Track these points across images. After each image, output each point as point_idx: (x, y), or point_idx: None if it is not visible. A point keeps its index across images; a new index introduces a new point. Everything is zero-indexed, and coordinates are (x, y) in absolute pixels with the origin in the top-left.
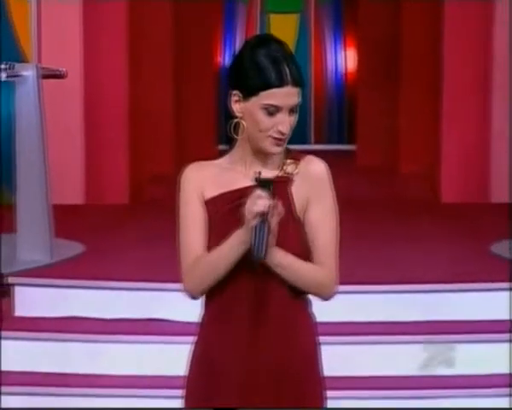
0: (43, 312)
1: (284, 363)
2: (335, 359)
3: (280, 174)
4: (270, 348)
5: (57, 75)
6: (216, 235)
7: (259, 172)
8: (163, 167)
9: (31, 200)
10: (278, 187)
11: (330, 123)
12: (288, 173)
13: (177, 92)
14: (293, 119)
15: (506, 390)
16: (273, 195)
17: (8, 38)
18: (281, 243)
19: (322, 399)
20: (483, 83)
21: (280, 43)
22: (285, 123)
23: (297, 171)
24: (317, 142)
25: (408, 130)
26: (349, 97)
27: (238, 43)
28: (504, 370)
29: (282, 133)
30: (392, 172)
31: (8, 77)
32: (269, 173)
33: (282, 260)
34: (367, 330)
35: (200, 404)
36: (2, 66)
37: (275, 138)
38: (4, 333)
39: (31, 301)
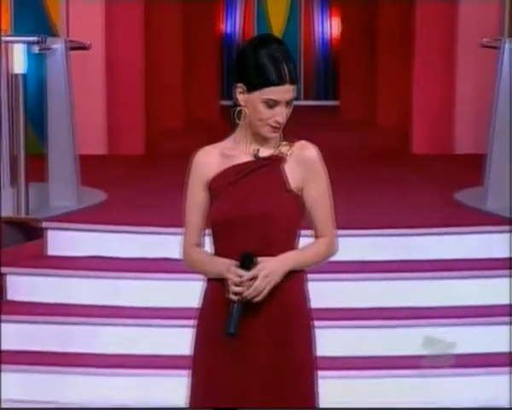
0: (72, 252)
1: (278, 321)
2: (314, 292)
3: (275, 153)
4: (265, 312)
5: (82, 47)
6: (221, 202)
7: (258, 150)
8: (173, 122)
9: (60, 152)
10: (273, 163)
11: (317, 82)
12: (282, 153)
13: (185, 57)
14: (289, 110)
15: (475, 320)
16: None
17: (41, 15)
18: (278, 210)
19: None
20: (450, 47)
21: (279, 43)
22: (282, 114)
23: (290, 152)
24: (306, 98)
25: (384, 89)
26: (334, 60)
27: (238, 13)
28: (473, 302)
29: (279, 123)
30: (370, 126)
31: (40, 50)
32: (266, 152)
33: (295, 265)
34: (343, 269)
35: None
36: (36, 40)
37: (272, 126)
38: (38, 270)
39: (61, 242)
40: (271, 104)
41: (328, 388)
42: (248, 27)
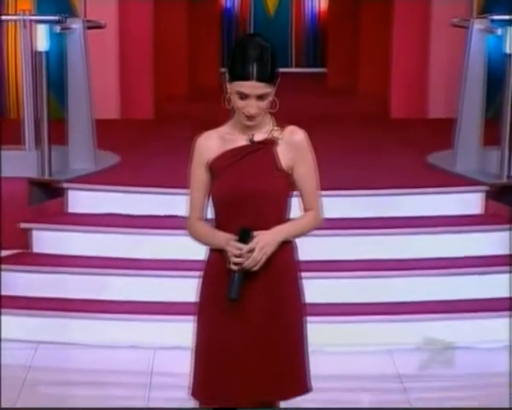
0: (90, 209)
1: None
2: (301, 247)
3: (268, 137)
4: (261, 277)
5: (98, 26)
6: (221, 181)
7: (253, 135)
8: (178, 89)
9: (79, 118)
10: (266, 146)
11: (307, 51)
12: (274, 137)
13: (189, 30)
14: (263, 103)
15: (448, 271)
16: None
17: None
18: (271, 187)
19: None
20: (425, 23)
21: (258, 43)
22: (252, 107)
23: (282, 136)
24: (296, 66)
25: (366, 59)
26: (322, 32)
27: None
28: (445, 254)
29: (250, 114)
30: (353, 92)
31: (61, 29)
32: (260, 136)
33: (287, 236)
34: (327, 226)
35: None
36: (58, 19)
37: (246, 116)
38: (60, 226)
39: (80, 201)
40: (242, 96)
41: (315, 331)
42: (246, 3)
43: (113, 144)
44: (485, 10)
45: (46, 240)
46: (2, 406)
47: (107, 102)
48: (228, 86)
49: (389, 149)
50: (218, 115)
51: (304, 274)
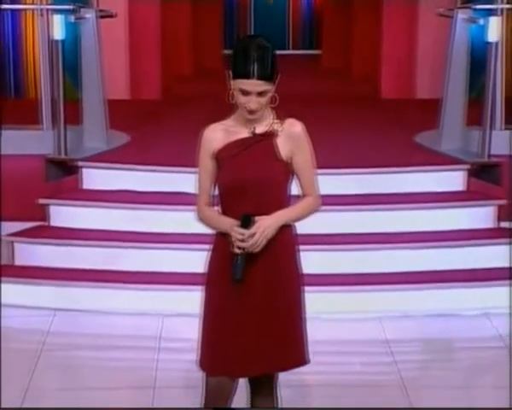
0: (102, 186)
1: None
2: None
3: (269, 130)
4: (262, 258)
5: (110, 15)
6: (225, 171)
7: (254, 128)
8: (184, 70)
9: (92, 98)
10: (267, 138)
11: (303, 34)
12: (275, 130)
13: (193, 15)
14: (263, 99)
15: (433, 243)
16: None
17: None
18: (271, 176)
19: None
20: (413, 10)
21: (259, 44)
22: (253, 102)
23: (281, 128)
24: (293, 48)
25: (358, 42)
26: (317, 16)
27: None
28: (430, 228)
29: (252, 109)
30: (346, 73)
31: (75, 19)
32: (261, 129)
33: (286, 220)
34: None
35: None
36: (72, 9)
37: (247, 111)
38: (75, 202)
39: (93, 178)
40: (244, 93)
41: (312, 300)
42: None
43: (123, 124)
44: (469, 0)
45: (62, 214)
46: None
47: (117, 84)
48: (231, 83)
49: (379, 129)
50: (221, 94)
51: (301, 247)
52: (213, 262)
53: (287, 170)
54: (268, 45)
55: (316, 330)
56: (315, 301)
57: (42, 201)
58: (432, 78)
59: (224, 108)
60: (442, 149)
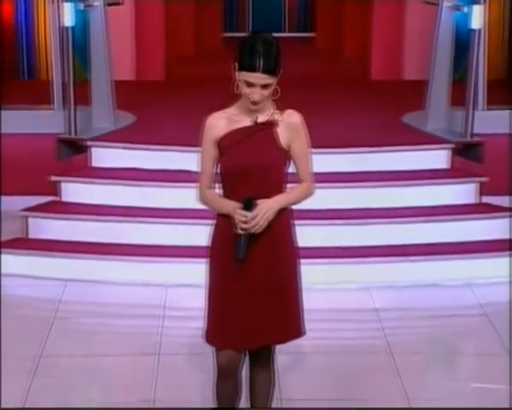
0: (110, 163)
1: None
2: None
3: (269, 120)
4: (263, 238)
5: (116, 3)
6: (228, 157)
7: (256, 117)
8: (186, 52)
9: (100, 80)
10: (268, 127)
11: (298, 17)
12: (275, 120)
13: (198, 6)
14: (266, 91)
15: (420, 218)
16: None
17: None
18: (271, 162)
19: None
20: None
21: (265, 39)
22: (256, 94)
23: (281, 119)
24: (289, 31)
25: (350, 25)
26: (312, 0)
27: None
28: (418, 204)
29: (255, 100)
30: (338, 55)
31: (85, 6)
32: (262, 118)
33: (283, 204)
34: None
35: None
36: None
37: (251, 101)
38: (84, 179)
39: (101, 157)
40: (249, 85)
41: (308, 271)
42: None
43: (129, 104)
44: None
45: (72, 191)
46: None
47: (123, 66)
48: (237, 74)
49: (368, 109)
50: (220, 75)
51: (297, 222)
52: (216, 242)
53: (285, 157)
54: (273, 41)
55: (310, 300)
56: (310, 273)
57: (53, 178)
58: (419, 60)
59: (223, 89)
60: (428, 129)
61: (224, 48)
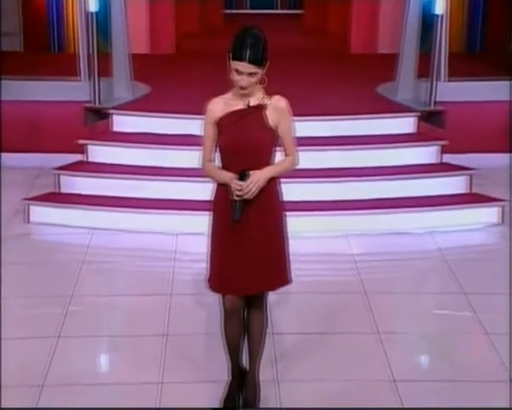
0: (128, 129)
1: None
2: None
3: (260, 103)
4: (255, 203)
5: None
6: (225, 135)
7: (249, 101)
8: (192, 28)
9: (119, 53)
10: (258, 110)
11: None
12: (265, 103)
13: None
14: (253, 79)
15: (392, 177)
16: (247, 177)
17: None
18: (261, 140)
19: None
20: None
21: (254, 34)
22: (244, 81)
23: (270, 102)
24: (281, 8)
25: (334, 5)
26: None
27: None
28: (389, 163)
29: (243, 85)
30: (323, 31)
31: None
32: (253, 102)
33: (272, 174)
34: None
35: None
36: None
37: (240, 87)
38: (107, 142)
39: (122, 123)
40: (238, 72)
41: (295, 222)
42: None
43: (144, 76)
44: None
45: (97, 152)
46: None
47: (139, 40)
48: (229, 63)
49: (347, 80)
50: (222, 47)
51: (285, 180)
52: (216, 204)
53: (273, 135)
54: (261, 36)
55: (297, 246)
56: (296, 223)
57: (81, 141)
58: (392, 36)
59: (224, 62)
60: (398, 99)
61: (225, 23)
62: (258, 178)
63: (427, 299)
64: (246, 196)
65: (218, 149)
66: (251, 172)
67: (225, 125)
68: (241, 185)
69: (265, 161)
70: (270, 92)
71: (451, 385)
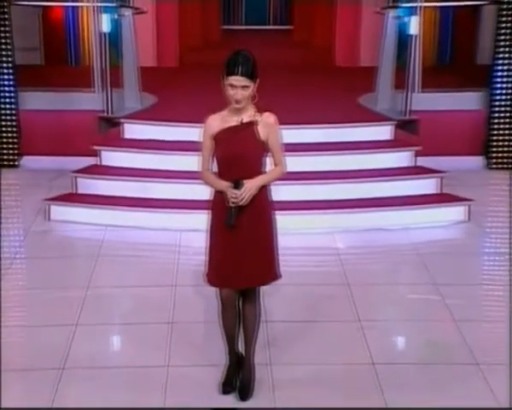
0: (138, 136)
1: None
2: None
3: (252, 120)
4: (248, 209)
5: (142, 12)
6: (221, 148)
7: (242, 118)
8: (194, 42)
9: (129, 69)
10: (250, 125)
11: (280, 13)
12: (256, 120)
13: (203, 0)
14: (246, 92)
15: (371, 179)
16: (241, 186)
17: None
18: (253, 152)
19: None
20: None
21: (244, 54)
22: (238, 94)
23: (261, 119)
24: (273, 24)
25: (320, 21)
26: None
27: None
28: (368, 166)
29: (238, 99)
30: (310, 45)
31: (118, 15)
32: (246, 119)
33: (263, 182)
34: (288, 149)
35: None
36: (115, 7)
37: (235, 101)
38: (118, 148)
39: (132, 130)
40: (232, 87)
41: (284, 220)
42: None
43: (151, 87)
44: (397, 0)
45: (109, 157)
46: None
47: (147, 54)
48: (224, 82)
49: (332, 91)
50: (221, 60)
51: (276, 182)
52: (214, 208)
53: (263, 148)
54: (250, 56)
55: (285, 241)
56: (286, 221)
57: (95, 147)
58: (372, 50)
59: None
60: (377, 109)
61: (223, 38)
62: (250, 186)
63: (402, 289)
64: (240, 203)
65: (214, 159)
66: (244, 181)
67: (221, 138)
68: (235, 193)
69: (257, 170)
70: (262, 102)
71: (424, 367)
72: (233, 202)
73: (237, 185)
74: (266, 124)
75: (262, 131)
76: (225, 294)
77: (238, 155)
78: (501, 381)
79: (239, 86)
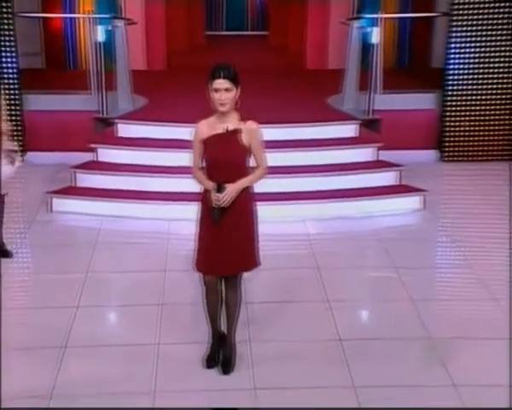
0: (130, 135)
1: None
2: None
3: (236, 127)
4: (230, 209)
5: (133, 23)
6: (209, 152)
7: (228, 126)
8: (180, 46)
9: (122, 72)
10: (235, 133)
11: (257, 19)
12: (240, 128)
13: (187, 7)
14: (229, 94)
15: (347, 172)
16: (223, 189)
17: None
18: (237, 156)
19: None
20: (327, 8)
21: (226, 64)
22: (222, 96)
23: (244, 127)
24: (251, 29)
25: (293, 27)
26: (266, 7)
27: None
28: (337, 161)
29: (222, 101)
30: (284, 49)
31: (112, 27)
32: (231, 127)
33: (245, 185)
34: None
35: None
36: (108, 18)
37: (219, 104)
38: (113, 146)
39: (125, 130)
40: (217, 90)
41: (263, 210)
42: None
43: (141, 89)
44: (362, 11)
45: (105, 153)
46: None
47: (138, 58)
48: (209, 88)
49: (303, 93)
50: (204, 64)
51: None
52: (202, 202)
53: (247, 152)
54: (231, 66)
55: (264, 228)
56: (263, 211)
57: (92, 145)
58: (339, 54)
59: (206, 74)
60: (344, 109)
61: (207, 42)
62: (231, 190)
63: (366, 272)
64: (222, 205)
65: (204, 161)
66: (226, 185)
67: (210, 143)
68: (217, 196)
69: (242, 171)
70: (240, 103)
71: (385, 342)
72: (216, 204)
73: (219, 189)
74: (249, 131)
75: (245, 138)
76: (208, 279)
77: (225, 159)
78: (451, 354)
79: (222, 89)
